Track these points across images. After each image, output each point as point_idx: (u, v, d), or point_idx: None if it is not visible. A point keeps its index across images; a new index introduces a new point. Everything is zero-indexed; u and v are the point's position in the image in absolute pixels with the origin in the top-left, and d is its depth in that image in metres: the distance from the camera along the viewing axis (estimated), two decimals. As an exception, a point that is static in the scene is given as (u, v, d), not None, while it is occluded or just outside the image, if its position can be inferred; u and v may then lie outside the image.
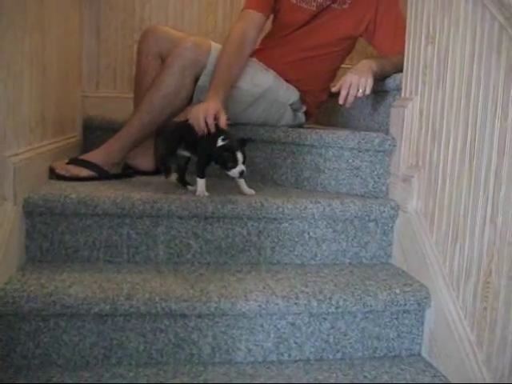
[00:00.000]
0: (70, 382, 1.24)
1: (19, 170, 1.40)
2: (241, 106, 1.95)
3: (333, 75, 2.11)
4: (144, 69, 2.01)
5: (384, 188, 1.71)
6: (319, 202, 1.59)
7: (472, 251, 1.29)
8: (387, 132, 1.75)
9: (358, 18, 1.98)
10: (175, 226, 1.55)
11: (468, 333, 1.29)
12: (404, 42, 1.67)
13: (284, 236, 1.60)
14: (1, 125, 1.32)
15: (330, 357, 1.42)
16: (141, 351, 1.34)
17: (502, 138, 1.19)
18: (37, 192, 1.51)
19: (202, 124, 1.60)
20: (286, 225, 1.60)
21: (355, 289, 1.42)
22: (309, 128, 2.00)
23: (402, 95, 1.68)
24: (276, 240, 1.60)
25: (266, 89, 1.95)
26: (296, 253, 1.62)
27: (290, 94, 2.02)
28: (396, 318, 1.45)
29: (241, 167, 1.57)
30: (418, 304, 1.43)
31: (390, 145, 1.68)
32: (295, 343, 1.40)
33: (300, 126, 2.11)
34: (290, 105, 2.03)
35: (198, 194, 1.60)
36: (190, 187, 1.69)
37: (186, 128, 1.66)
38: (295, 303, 1.36)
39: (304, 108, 2.10)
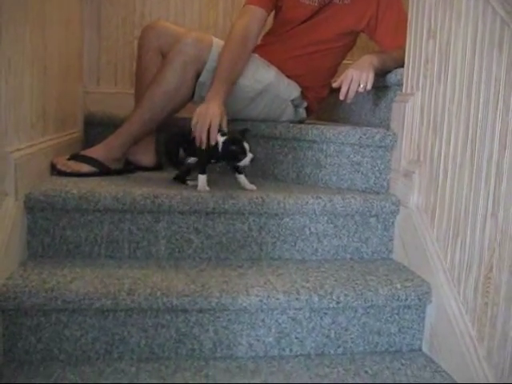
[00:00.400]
0: (72, 376, 1.24)
1: (20, 166, 1.41)
2: (242, 102, 1.94)
3: (334, 71, 2.10)
4: (145, 65, 2.01)
5: (385, 183, 1.71)
6: (320, 198, 1.59)
7: (473, 246, 1.29)
8: (388, 127, 1.75)
9: (359, 13, 1.98)
10: (176, 221, 1.55)
11: (469, 328, 1.29)
12: (405, 36, 1.67)
13: (285, 231, 1.60)
14: (2, 120, 1.32)
15: (331, 352, 1.43)
16: (142, 346, 1.35)
17: (503, 133, 1.19)
18: (38, 188, 1.51)
19: (204, 137, 1.61)
20: (287, 220, 1.60)
21: (356, 284, 1.42)
22: (310, 124, 1.99)
23: (403, 90, 1.68)
24: (277, 235, 1.60)
25: (268, 84, 1.95)
26: (297, 248, 1.62)
27: (292, 90, 2.02)
28: (397, 313, 1.45)
29: (250, 155, 1.61)
30: (419, 299, 1.43)
31: (391, 140, 1.68)
32: (296, 338, 1.41)
33: (301, 121, 2.11)
34: (291, 101, 2.03)
35: (199, 189, 1.60)
36: (190, 182, 1.69)
37: (182, 135, 1.72)
38: (296, 298, 1.36)
39: (305, 104, 2.09)
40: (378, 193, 1.70)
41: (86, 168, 1.80)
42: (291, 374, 1.31)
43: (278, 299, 1.35)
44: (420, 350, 1.47)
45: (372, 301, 1.40)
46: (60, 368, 1.28)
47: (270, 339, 1.39)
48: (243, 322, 1.37)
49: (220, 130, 1.63)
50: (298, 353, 1.41)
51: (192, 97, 1.89)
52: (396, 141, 1.67)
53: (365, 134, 1.69)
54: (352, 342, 1.44)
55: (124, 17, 2.61)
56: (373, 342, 1.45)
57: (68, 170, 1.77)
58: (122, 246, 1.54)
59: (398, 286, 1.43)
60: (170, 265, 1.51)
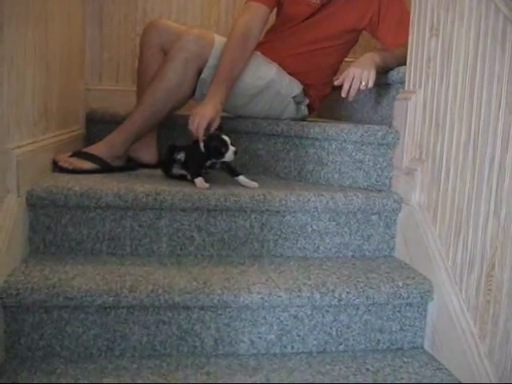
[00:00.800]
0: (74, 373, 1.24)
1: (22, 163, 1.41)
2: (244, 99, 1.94)
3: (336, 68, 2.10)
4: (146, 62, 2.01)
5: (387, 181, 1.71)
6: (322, 195, 1.59)
7: (475, 244, 1.29)
8: (390, 125, 1.74)
9: (361, 10, 1.97)
10: (178, 218, 1.55)
11: (471, 326, 1.29)
12: (407, 34, 1.67)
13: (287, 229, 1.60)
14: (4, 117, 1.32)
15: (333, 349, 1.43)
16: (144, 343, 1.35)
17: (506, 131, 1.18)
18: (40, 184, 1.51)
19: (195, 133, 1.68)
20: (289, 217, 1.60)
21: (358, 281, 1.42)
22: (312, 121, 2.00)
23: (406, 88, 1.68)
24: (279, 233, 1.60)
25: (269, 81, 1.95)
26: (299, 245, 1.62)
27: (293, 87, 2.02)
28: (399, 311, 1.45)
29: (232, 148, 1.64)
30: (421, 297, 1.43)
31: (393, 138, 1.68)
32: (298, 335, 1.41)
33: (303, 119, 2.11)
34: (293, 98, 2.03)
35: (198, 187, 1.60)
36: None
37: (175, 147, 1.77)
38: (298, 296, 1.36)
39: (307, 101, 2.09)
40: (379, 190, 1.70)
41: (87, 165, 1.80)
42: (293, 372, 1.31)
43: (279, 297, 1.35)
44: (422, 347, 1.47)
45: (374, 298, 1.40)
46: (62, 364, 1.28)
47: (272, 336, 1.39)
48: (245, 319, 1.37)
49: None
50: (300, 350, 1.41)
51: (193, 94, 1.88)
52: (398, 138, 1.67)
53: (367, 132, 1.69)
54: (354, 340, 1.44)
55: (126, 14, 2.60)
56: (374, 340, 1.45)
57: (70, 167, 1.77)
58: (124, 243, 1.54)
59: (400, 283, 1.43)
60: (172, 262, 1.51)
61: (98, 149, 1.84)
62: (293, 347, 1.41)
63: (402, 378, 1.30)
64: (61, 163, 1.77)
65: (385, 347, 1.46)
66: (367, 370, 1.34)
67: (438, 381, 1.31)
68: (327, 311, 1.41)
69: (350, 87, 1.76)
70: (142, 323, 1.34)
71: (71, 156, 1.82)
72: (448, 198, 1.41)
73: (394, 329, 1.46)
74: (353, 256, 1.65)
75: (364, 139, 1.69)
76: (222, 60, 1.80)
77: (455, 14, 1.40)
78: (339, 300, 1.38)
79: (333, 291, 1.38)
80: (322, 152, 1.78)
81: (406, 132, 1.63)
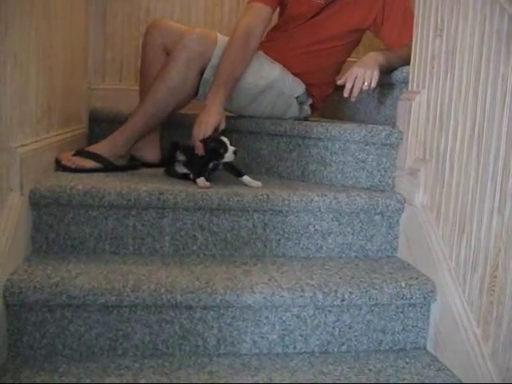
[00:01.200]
0: (76, 372, 1.24)
1: (26, 161, 1.41)
2: (246, 99, 1.94)
3: (339, 68, 2.10)
4: (149, 62, 2.01)
5: (390, 181, 1.71)
6: (325, 195, 1.59)
7: (479, 245, 1.29)
8: (394, 125, 1.74)
9: (365, 10, 1.97)
10: (181, 217, 1.55)
11: (474, 326, 1.29)
12: (411, 34, 1.66)
13: (290, 229, 1.60)
14: (7, 116, 1.32)
15: (335, 349, 1.42)
16: (146, 342, 1.35)
17: (510, 131, 1.18)
18: (43, 183, 1.51)
19: (200, 145, 1.68)
20: (292, 217, 1.60)
21: (361, 282, 1.42)
22: (315, 121, 1.99)
23: (409, 88, 1.67)
24: (282, 232, 1.60)
25: (272, 81, 1.95)
26: (302, 245, 1.61)
27: (296, 87, 2.02)
28: (401, 312, 1.45)
29: (232, 148, 1.64)
30: (424, 297, 1.43)
31: (396, 138, 1.67)
32: (300, 336, 1.40)
33: (306, 118, 2.11)
34: (296, 98, 2.03)
35: (200, 186, 1.60)
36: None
37: (178, 147, 1.80)
38: (300, 296, 1.36)
39: (310, 101, 2.09)
40: (383, 191, 1.70)
41: (90, 164, 1.80)
42: (295, 372, 1.31)
43: (282, 296, 1.35)
44: (424, 348, 1.47)
45: (376, 299, 1.40)
46: (64, 363, 1.28)
47: (274, 336, 1.39)
48: (247, 319, 1.37)
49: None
50: (302, 350, 1.41)
51: (196, 93, 1.88)
52: (402, 138, 1.67)
53: (370, 132, 1.68)
54: (356, 340, 1.43)
55: (129, 13, 2.60)
56: (377, 340, 1.45)
57: (73, 166, 1.77)
58: (127, 242, 1.54)
59: (403, 284, 1.42)
60: (175, 261, 1.50)
61: (101, 148, 1.84)
62: (295, 347, 1.41)
63: (404, 379, 1.30)
64: (64, 162, 1.77)
65: (387, 348, 1.45)
66: (370, 370, 1.33)
67: (441, 382, 1.30)
68: (330, 311, 1.41)
69: (353, 87, 1.75)
70: (144, 322, 1.34)
71: (74, 155, 1.82)
72: (451, 199, 1.41)
73: (396, 329, 1.45)
74: (356, 256, 1.65)
75: (367, 139, 1.69)
76: (223, 61, 1.79)
77: (459, 14, 1.40)
78: (342, 300, 1.38)
79: (335, 291, 1.37)
80: (325, 152, 1.78)
81: (409, 132, 1.63)
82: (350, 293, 1.38)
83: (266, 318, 1.38)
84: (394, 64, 1.83)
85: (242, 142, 1.91)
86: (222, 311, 1.36)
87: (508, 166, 1.18)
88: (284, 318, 1.39)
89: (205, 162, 1.68)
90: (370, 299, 1.39)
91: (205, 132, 1.68)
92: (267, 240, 1.59)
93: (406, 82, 1.71)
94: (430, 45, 1.55)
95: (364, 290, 1.39)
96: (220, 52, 1.82)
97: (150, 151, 2.01)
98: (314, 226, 1.61)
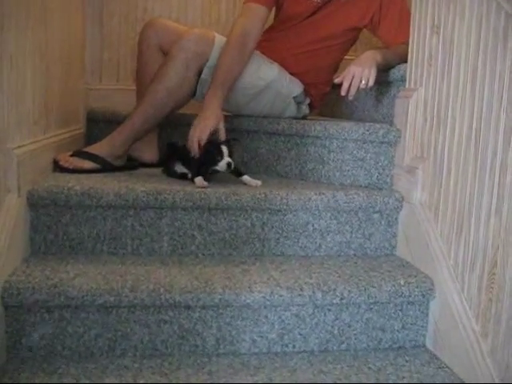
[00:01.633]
0: (75, 372, 1.24)
1: (23, 162, 1.40)
2: (244, 99, 1.94)
3: (336, 67, 2.10)
4: (145, 61, 2.00)
5: (388, 179, 1.71)
6: (323, 194, 1.59)
7: (477, 242, 1.29)
8: (391, 123, 1.74)
9: (362, 9, 1.97)
10: (179, 217, 1.55)
11: (473, 324, 1.29)
12: (408, 32, 1.66)
13: (288, 227, 1.60)
14: (4, 117, 1.32)
15: (335, 348, 1.42)
16: (145, 342, 1.34)
17: (507, 129, 1.18)
18: (41, 184, 1.51)
19: (196, 148, 1.68)
20: (291, 216, 1.60)
21: (359, 280, 1.42)
22: (313, 119, 1.99)
23: (407, 86, 1.67)
24: (280, 231, 1.60)
25: (270, 81, 1.94)
26: (300, 244, 1.61)
27: (294, 87, 2.01)
28: (400, 310, 1.45)
29: (227, 159, 1.64)
30: (423, 295, 1.43)
31: (394, 136, 1.67)
32: (299, 334, 1.40)
33: (304, 117, 2.10)
34: (294, 97, 2.02)
35: (197, 185, 1.60)
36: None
37: (177, 149, 1.81)
38: (299, 294, 1.35)
39: (308, 100, 2.09)
40: (381, 189, 1.70)
41: (88, 164, 1.80)
42: (294, 371, 1.31)
43: (281, 295, 1.35)
44: (424, 346, 1.47)
45: (375, 297, 1.40)
46: (63, 364, 1.28)
47: (273, 335, 1.39)
48: (246, 318, 1.37)
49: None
50: (302, 349, 1.41)
51: (195, 93, 1.88)
52: (399, 136, 1.67)
53: (368, 130, 1.68)
54: (355, 339, 1.43)
55: (126, 13, 2.60)
56: (376, 339, 1.45)
57: (70, 167, 1.77)
58: (125, 243, 1.54)
59: (402, 282, 1.42)
60: (173, 261, 1.50)
61: (99, 148, 1.84)
62: (294, 346, 1.41)
63: (403, 377, 1.30)
64: (61, 163, 1.77)
65: (387, 346, 1.45)
66: (369, 368, 1.33)
67: (440, 380, 1.31)
68: (329, 310, 1.41)
69: (350, 86, 1.75)
70: (143, 323, 1.34)
71: (72, 155, 1.81)
72: (450, 196, 1.41)
73: (395, 327, 1.45)
74: (354, 254, 1.65)
75: (365, 137, 1.69)
76: (220, 63, 1.79)
77: (456, 11, 1.40)
78: (341, 299, 1.38)
79: (334, 290, 1.37)
80: (323, 150, 1.78)
81: (407, 130, 1.63)
82: (349, 291, 1.38)
83: (265, 317, 1.38)
84: (391, 62, 1.83)
85: (239, 141, 1.91)
86: (220, 311, 1.36)
87: (505, 163, 1.18)
88: (283, 317, 1.39)
89: (199, 164, 1.68)
90: (368, 297, 1.39)
91: (200, 135, 1.68)
92: (266, 239, 1.59)
93: (403, 79, 1.71)
94: (426, 42, 1.55)
95: (363, 289, 1.39)
96: (218, 52, 1.81)
97: (148, 151, 2.01)
98: (313, 225, 1.61)
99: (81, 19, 2.25)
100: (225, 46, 1.81)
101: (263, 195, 1.56)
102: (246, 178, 1.70)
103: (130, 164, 1.93)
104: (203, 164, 1.67)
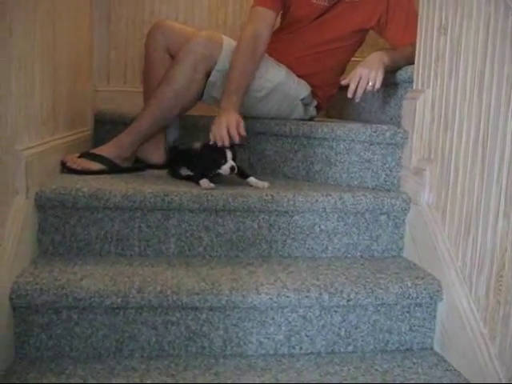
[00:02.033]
0: (83, 373, 1.25)
1: (31, 164, 1.41)
2: (252, 101, 1.94)
3: (343, 68, 2.09)
4: (152, 63, 2.01)
5: (396, 181, 1.70)
6: (330, 195, 1.59)
7: (485, 244, 1.28)
8: (399, 125, 1.74)
9: (369, 10, 1.96)
10: (186, 219, 1.55)
11: (480, 326, 1.28)
12: (415, 33, 1.66)
13: (295, 229, 1.60)
14: (13, 119, 1.32)
15: (342, 350, 1.42)
16: (152, 344, 1.35)
17: (515, 130, 1.18)
18: (48, 185, 1.52)
19: (225, 135, 1.66)
20: (297, 218, 1.60)
21: (367, 282, 1.41)
22: (320, 121, 1.99)
23: (414, 87, 1.67)
24: (287, 233, 1.60)
25: (278, 84, 1.94)
26: (307, 246, 1.61)
27: (301, 89, 2.01)
28: (408, 312, 1.45)
29: (230, 163, 1.64)
30: (430, 297, 1.42)
31: (401, 137, 1.67)
32: (306, 336, 1.40)
33: (311, 119, 2.10)
34: (301, 100, 2.02)
35: (203, 187, 1.61)
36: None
37: (183, 152, 1.81)
38: (306, 296, 1.35)
39: (315, 103, 2.09)
40: (388, 190, 1.69)
41: (96, 166, 1.81)
42: (301, 372, 1.31)
43: (288, 297, 1.34)
44: (431, 348, 1.46)
45: (382, 299, 1.39)
46: (71, 365, 1.28)
47: (280, 337, 1.39)
48: (253, 319, 1.37)
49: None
50: (309, 351, 1.41)
51: (202, 96, 1.88)
52: (407, 138, 1.66)
53: (375, 132, 1.68)
54: (362, 341, 1.43)
55: (133, 15, 2.61)
56: (383, 341, 1.44)
57: (78, 168, 1.77)
58: (132, 244, 1.55)
59: (409, 283, 1.42)
60: (180, 263, 1.51)
61: (106, 150, 1.85)
62: (301, 348, 1.40)
63: (411, 379, 1.30)
64: (69, 164, 1.78)
65: (394, 348, 1.45)
66: (376, 370, 1.33)
67: (448, 382, 1.30)
68: (336, 312, 1.41)
69: (357, 87, 1.75)
70: (150, 324, 1.34)
71: (79, 157, 1.82)
72: (457, 198, 1.40)
73: (403, 329, 1.45)
74: (361, 256, 1.64)
75: (372, 139, 1.69)
76: (232, 68, 1.79)
77: (463, 13, 1.39)
78: (348, 300, 1.37)
79: (341, 292, 1.37)
80: (330, 152, 1.77)
81: (414, 131, 1.62)
82: (356, 293, 1.38)
83: (272, 318, 1.38)
84: (398, 63, 1.83)
85: (246, 142, 1.91)
86: (227, 312, 1.36)
87: (513, 165, 1.18)
88: (290, 318, 1.39)
89: (203, 167, 1.68)
90: (375, 299, 1.39)
91: (229, 127, 1.66)
92: (273, 241, 1.59)
93: (410, 81, 1.70)
94: (434, 44, 1.54)
95: (370, 290, 1.39)
96: (226, 55, 1.81)
97: (155, 153, 2.01)
98: (320, 227, 1.61)
99: (88, 22, 2.26)
100: (235, 51, 1.81)
101: (270, 197, 1.56)
102: (252, 179, 1.70)
103: (138, 165, 1.94)
104: (206, 167, 1.67)
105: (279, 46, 2.02)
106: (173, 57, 1.97)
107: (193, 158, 1.71)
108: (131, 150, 1.88)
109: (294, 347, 1.40)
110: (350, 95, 1.76)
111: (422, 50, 1.62)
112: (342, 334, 1.42)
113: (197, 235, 1.56)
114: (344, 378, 1.29)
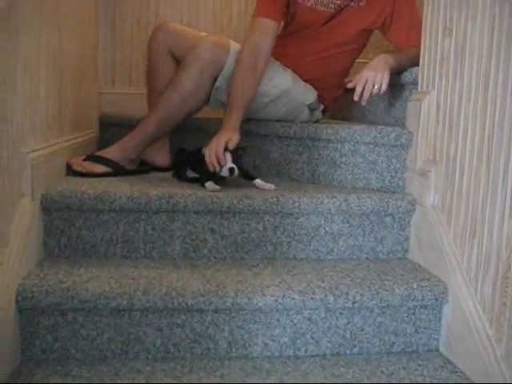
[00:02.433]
0: (88, 375, 1.25)
1: (37, 167, 1.42)
2: (258, 106, 1.92)
3: (349, 70, 2.09)
4: (155, 65, 2.01)
5: (401, 182, 1.70)
6: (335, 197, 1.59)
7: (490, 246, 1.28)
8: (404, 126, 1.73)
9: (375, 13, 1.96)
10: (191, 221, 1.55)
11: (486, 328, 1.28)
12: (419, 35, 1.66)
13: (300, 231, 1.60)
14: (18, 121, 1.33)
15: (347, 352, 1.42)
16: (158, 346, 1.35)
17: (520, 131, 1.17)
18: (54, 188, 1.52)
19: (215, 162, 1.64)
20: (302, 220, 1.59)
21: (372, 284, 1.41)
22: (324, 123, 1.99)
23: (419, 89, 1.67)
24: (292, 235, 1.60)
25: (284, 90, 1.94)
26: (312, 248, 1.61)
27: (308, 95, 2.01)
28: (413, 313, 1.44)
29: (230, 165, 1.63)
30: (436, 299, 1.42)
31: (406, 139, 1.67)
32: (312, 338, 1.40)
33: (316, 121, 2.10)
34: (308, 105, 2.02)
35: (209, 189, 1.61)
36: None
37: (189, 154, 1.81)
38: (312, 298, 1.35)
39: (322, 107, 2.08)
40: (393, 192, 1.69)
41: (101, 168, 1.81)
42: (307, 374, 1.31)
43: (293, 299, 1.34)
44: (437, 350, 1.46)
45: (388, 301, 1.39)
46: (77, 367, 1.29)
47: (286, 339, 1.39)
48: (258, 321, 1.37)
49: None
50: (314, 353, 1.41)
51: (208, 100, 1.88)
52: (411, 140, 1.66)
53: (380, 133, 1.68)
54: (368, 342, 1.43)
55: (138, 17, 2.62)
56: (389, 342, 1.44)
57: (83, 171, 1.78)
58: (138, 246, 1.55)
59: (414, 285, 1.42)
60: (186, 265, 1.51)
61: (112, 152, 1.85)
62: (306, 350, 1.40)
63: (416, 381, 1.29)
64: (74, 167, 1.78)
65: (399, 350, 1.45)
66: (382, 372, 1.33)
67: (454, 384, 1.30)
68: (341, 314, 1.41)
69: (363, 90, 1.74)
70: (155, 326, 1.34)
71: (85, 159, 1.83)
72: (462, 200, 1.40)
73: (408, 331, 1.45)
74: (366, 258, 1.64)
75: (377, 140, 1.69)
76: (234, 83, 1.77)
77: (468, 14, 1.39)
78: (353, 302, 1.37)
79: (346, 293, 1.37)
80: (335, 154, 1.77)
81: (419, 133, 1.62)
82: (361, 295, 1.38)
83: (277, 320, 1.38)
84: (404, 65, 1.82)
85: (251, 144, 1.91)
86: (233, 314, 1.36)
87: (519, 166, 1.17)
88: (295, 320, 1.39)
89: (204, 169, 1.68)
90: (381, 301, 1.39)
91: (217, 152, 1.64)
92: (278, 242, 1.59)
93: (415, 82, 1.70)
94: (438, 45, 1.54)
95: (375, 292, 1.38)
96: (233, 60, 1.81)
97: (160, 155, 2.01)
98: (325, 228, 1.61)
99: (93, 24, 2.27)
100: (237, 65, 1.80)
101: (275, 199, 1.56)
102: (258, 181, 1.70)
103: (143, 168, 1.94)
104: (207, 169, 1.67)
105: (286, 50, 2.00)
106: (175, 58, 1.98)
107: (197, 161, 1.71)
108: (136, 152, 1.88)
109: (299, 349, 1.40)
110: (356, 98, 1.75)
111: (426, 51, 1.62)
112: (348, 335, 1.42)
113: (202, 237, 1.57)
114: (349, 380, 1.29)
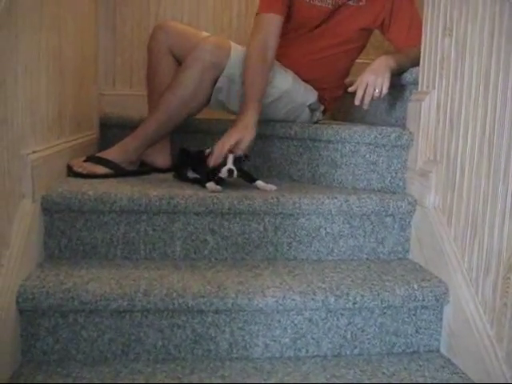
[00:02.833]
0: (89, 376, 1.25)
1: (37, 168, 1.42)
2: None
3: (349, 69, 2.09)
4: (155, 65, 2.01)
5: (401, 183, 1.70)
6: (336, 198, 1.59)
7: (491, 246, 1.28)
8: (404, 126, 1.73)
9: (374, 13, 1.96)
10: (192, 222, 1.55)
11: (487, 329, 1.28)
12: (419, 35, 1.66)
13: (301, 232, 1.60)
14: (18, 123, 1.33)
15: (348, 353, 1.42)
16: (158, 347, 1.35)
17: (521, 131, 1.17)
18: (55, 189, 1.52)
19: (216, 160, 1.65)
20: (303, 220, 1.59)
21: (373, 284, 1.41)
22: (325, 123, 1.99)
23: (419, 89, 1.66)
24: (293, 236, 1.60)
25: (285, 91, 1.94)
26: (313, 248, 1.61)
27: (308, 95, 2.01)
28: (414, 314, 1.44)
29: (229, 166, 1.63)
30: (437, 299, 1.42)
31: (407, 139, 1.67)
32: (312, 339, 1.40)
33: (316, 121, 2.10)
34: (308, 105, 2.02)
35: (210, 190, 1.61)
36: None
37: (190, 155, 1.82)
38: (312, 299, 1.35)
39: (322, 108, 2.08)
40: (394, 192, 1.69)
41: (101, 170, 1.81)
42: (307, 375, 1.30)
43: (293, 300, 1.34)
44: (438, 350, 1.46)
45: (389, 301, 1.39)
46: (77, 368, 1.29)
47: (286, 340, 1.39)
48: (259, 322, 1.37)
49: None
50: (315, 354, 1.40)
51: (209, 101, 1.88)
52: (412, 140, 1.66)
53: (380, 134, 1.68)
54: (369, 343, 1.43)
55: (139, 19, 2.62)
56: (390, 343, 1.44)
57: (84, 172, 1.78)
58: (138, 247, 1.55)
59: (415, 286, 1.41)
60: (186, 265, 1.51)
61: (112, 153, 1.85)
62: (307, 351, 1.40)
63: (417, 382, 1.29)
64: (75, 168, 1.78)
65: (400, 350, 1.44)
66: (383, 373, 1.33)
67: (455, 384, 1.30)
68: (342, 314, 1.40)
69: (364, 94, 1.74)
70: (156, 327, 1.34)
71: (85, 161, 1.83)
72: (463, 200, 1.40)
73: (409, 332, 1.44)
74: (367, 258, 1.64)
75: (378, 141, 1.69)
76: (246, 79, 1.78)
77: (468, 13, 1.39)
78: (354, 303, 1.37)
79: (347, 294, 1.37)
80: (336, 154, 1.77)
81: (419, 133, 1.62)
82: (362, 296, 1.37)
83: (278, 321, 1.38)
84: (404, 66, 1.82)
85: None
86: (233, 315, 1.36)
87: (520, 166, 1.17)
88: (296, 321, 1.39)
89: (206, 170, 1.68)
90: (382, 302, 1.39)
91: (222, 145, 1.65)
92: (278, 243, 1.59)
93: (415, 83, 1.70)
94: (439, 45, 1.54)
95: (376, 293, 1.38)
96: (233, 61, 1.81)
97: (161, 156, 2.01)
98: (325, 229, 1.61)
99: (94, 26, 2.27)
100: (247, 62, 1.80)
101: (276, 199, 1.56)
102: (259, 183, 1.70)
103: (143, 169, 1.94)
104: (207, 170, 1.67)
105: (286, 50, 2.00)
106: (176, 58, 1.98)
107: (198, 161, 1.71)
108: (137, 154, 1.88)
109: (299, 350, 1.40)
110: (357, 102, 1.75)
111: (426, 51, 1.62)
112: (348, 336, 1.41)
113: (202, 238, 1.56)
114: (350, 380, 1.28)
